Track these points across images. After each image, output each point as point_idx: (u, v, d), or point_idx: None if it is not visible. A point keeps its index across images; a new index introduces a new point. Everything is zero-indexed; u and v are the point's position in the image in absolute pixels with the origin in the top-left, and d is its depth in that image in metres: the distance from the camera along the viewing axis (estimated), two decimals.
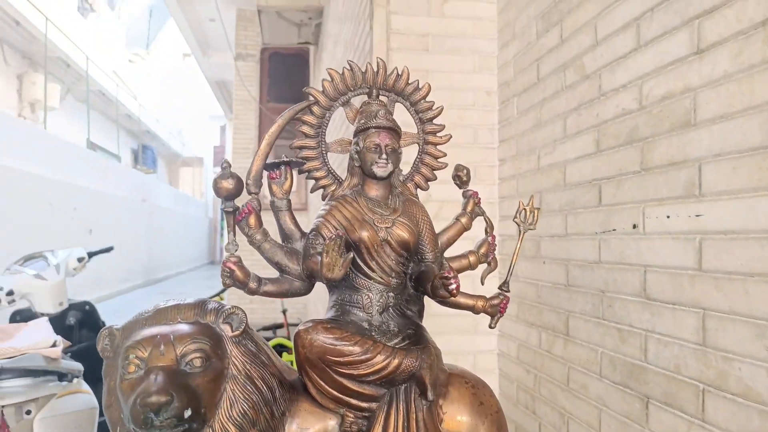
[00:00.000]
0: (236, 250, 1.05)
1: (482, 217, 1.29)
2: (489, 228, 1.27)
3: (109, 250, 3.74)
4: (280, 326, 6.09)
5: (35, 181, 7.85)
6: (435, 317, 2.42)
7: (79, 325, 3.39)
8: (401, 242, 1.12)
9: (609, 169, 1.72)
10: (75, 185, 9.42)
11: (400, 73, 1.21)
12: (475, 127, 2.58)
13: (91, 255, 3.53)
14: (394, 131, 1.15)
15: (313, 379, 0.99)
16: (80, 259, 3.62)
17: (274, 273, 1.14)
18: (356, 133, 1.16)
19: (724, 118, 1.28)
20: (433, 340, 1.15)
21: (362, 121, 1.15)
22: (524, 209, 1.27)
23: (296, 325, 3.63)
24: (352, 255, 1.03)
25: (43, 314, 3.23)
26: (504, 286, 1.24)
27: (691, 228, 1.37)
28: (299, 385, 1.02)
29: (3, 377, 2.44)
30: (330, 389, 0.98)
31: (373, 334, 1.07)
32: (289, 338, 5.28)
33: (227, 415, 0.90)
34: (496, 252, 1.32)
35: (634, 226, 1.59)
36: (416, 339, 1.09)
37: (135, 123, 15.68)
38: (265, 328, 5.92)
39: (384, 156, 1.12)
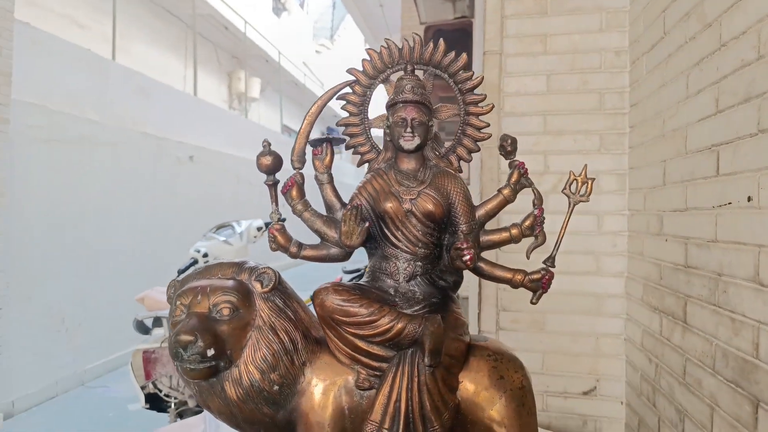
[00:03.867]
0: (278, 219, 1.19)
1: (530, 189, 1.23)
2: (537, 200, 1.20)
3: (282, 221, 4.28)
4: None
5: (238, 162, 9.21)
6: (553, 294, 2.36)
7: None
8: (426, 213, 1.14)
9: (727, 132, 1.47)
10: None
11: (436, 46, 1.21)
12: (601, 92, 2.36)
13: (267, 225, 4.09)
14: (423, 104, 1.16)
15: (329, 336, 1.09)
16: (259, 228, 4.23)
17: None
18: (387, 108, 1.20)
19: None
20: (460, 311, 1.16)
21: (391, 96, 1.19)
22: (576, 179, 1.19)
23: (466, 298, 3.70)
24: (368, 224, 1.09)
25: None
26: (548, 260, 1.18)
27: None
28: (324, 340, 1.13)
29: None
30: (343, 346, 1.07)
31: (396, 300, 1.13)
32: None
33: (251, 358, 1.05)
34: (544, 225, 1.24)
35: (749, 199, 1.35)
36: (439, 308, 1.11)
37: None
38: None
39: (409, 129, 1.14)
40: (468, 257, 1.04)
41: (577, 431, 2.38)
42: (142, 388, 3.24)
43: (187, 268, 3.64)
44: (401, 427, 1.02)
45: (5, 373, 4.24)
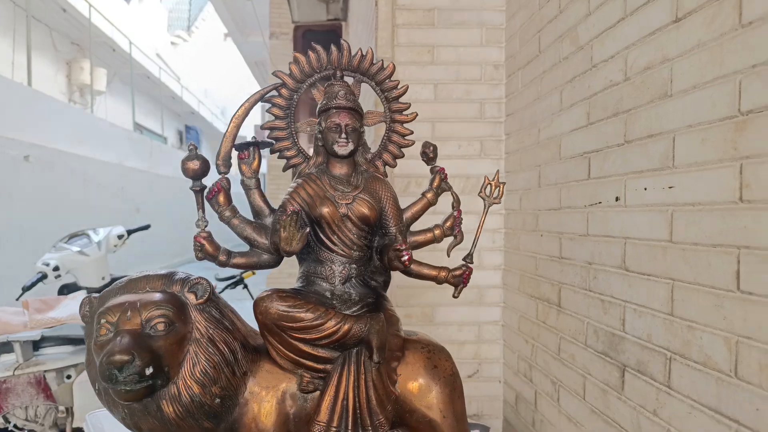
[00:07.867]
0: (206, 226, 1.14)
1: (449, 192, 1.32)
2: (456, 203, 1.31)
3: (146, 228, 3.95)
4: None
5: (85, 163, 8.29)
6: (441, 289, 2.48)
7: None
8: (361, 217, 1.18)
9: (597, 141, 1.71)
10: (123, 166, 9.88)
11: (364, 53, 1.25)
12: (482, 102, 2.58)
13: (130, 232, 3.74)
14: (355, 111, 1.20)
15: (272, 343, 1.08)
16: (120, 236, 3.86)
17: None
18: (319, 114, 1.22)
19: (697, 88, 1.27)
20: (393, 309, 1.22)
21: (324, 101, 1.21)
22: (489, 183, 1.31)
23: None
24: (308, 230, 1.10)
25: (87, 288, 3.47)
26: (467, 257, 1.28)
27: (664, 200, 1.37)
28: (263, 348, 1.11)
29: (44, 345, 2.67)
30: (287, 352, 1.07)
31: (334, 302, 1.15)
32: None
33: (190, 373, 1.00)
34: (463, 225, 1.35)
35: (617, 199, 1.59)
36: (374, 307, 1.16)
37: (179, 104, 16.18)
38: None
39: (344, 135, 1.17)
40: (406, 257, 1.10)
41: None
42: None
43: (34, 283, 3.22)
44: (350, 423, 1.04)
45: None
